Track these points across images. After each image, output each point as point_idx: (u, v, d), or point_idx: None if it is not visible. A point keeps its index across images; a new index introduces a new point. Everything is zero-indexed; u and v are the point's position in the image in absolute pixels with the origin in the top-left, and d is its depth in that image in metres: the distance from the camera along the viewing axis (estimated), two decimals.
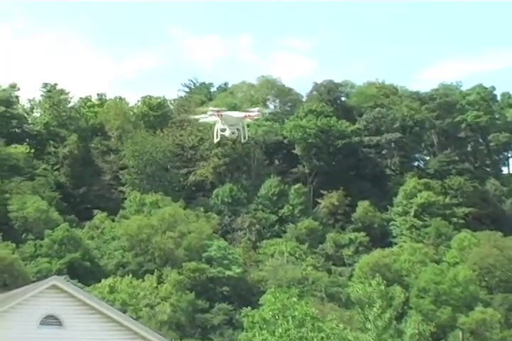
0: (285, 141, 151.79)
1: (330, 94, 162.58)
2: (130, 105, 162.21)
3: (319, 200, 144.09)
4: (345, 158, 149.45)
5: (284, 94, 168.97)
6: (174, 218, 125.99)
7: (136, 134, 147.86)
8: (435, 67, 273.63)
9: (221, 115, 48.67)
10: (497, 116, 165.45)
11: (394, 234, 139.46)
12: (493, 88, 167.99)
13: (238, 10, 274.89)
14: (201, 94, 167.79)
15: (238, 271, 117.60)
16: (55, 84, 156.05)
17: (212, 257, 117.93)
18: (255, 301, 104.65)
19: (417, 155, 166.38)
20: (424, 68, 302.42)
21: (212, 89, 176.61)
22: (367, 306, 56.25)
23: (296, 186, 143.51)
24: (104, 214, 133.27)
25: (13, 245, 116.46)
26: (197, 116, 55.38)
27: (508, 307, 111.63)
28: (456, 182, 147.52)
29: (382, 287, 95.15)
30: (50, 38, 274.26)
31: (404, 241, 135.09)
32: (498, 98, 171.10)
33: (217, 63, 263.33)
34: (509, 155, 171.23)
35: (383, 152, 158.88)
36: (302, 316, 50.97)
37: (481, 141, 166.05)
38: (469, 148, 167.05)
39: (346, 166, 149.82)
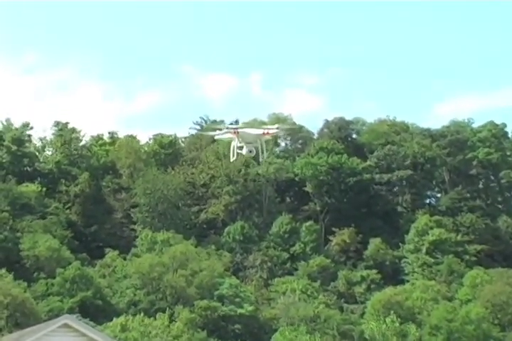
0: (296, 179, 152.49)
1: (341, 131, 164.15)
2: (141, 143, 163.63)
3: (331, 238, 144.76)
4: (356, 195, 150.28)
5: (295, 131, 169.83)
6: (186, 256, 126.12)
7: (148, 172, 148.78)
8: (446, 103, 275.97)
9: (237, 132, 46.36)
10: (508, 153, 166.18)
11: (406, 272, 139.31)
12: (504, 125, 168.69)
13: (248, 47, 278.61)
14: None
15: (250, 308, 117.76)
16: (67, 123, 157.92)
17: (224, 295, 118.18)
18: (267, 339, 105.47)
19: (428, 193, 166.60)
20: (436, 104, 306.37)
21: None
22: None
23: (308, 223, 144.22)
24: (116, 252, 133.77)
25: (25, 284, 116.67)
26: (212, 133, 53.06)
27: None
28: (468, 219, 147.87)
29: (397, 324, 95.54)
30: (62, 74, 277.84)
31: (416, 279, 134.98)
32: (510, 135, 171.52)
33: (228, 100, 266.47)
34: None
35: (394, 189, 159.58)
36: None
37: (492, 178, 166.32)
38: (481, 185, 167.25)
39: (358, 203, 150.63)
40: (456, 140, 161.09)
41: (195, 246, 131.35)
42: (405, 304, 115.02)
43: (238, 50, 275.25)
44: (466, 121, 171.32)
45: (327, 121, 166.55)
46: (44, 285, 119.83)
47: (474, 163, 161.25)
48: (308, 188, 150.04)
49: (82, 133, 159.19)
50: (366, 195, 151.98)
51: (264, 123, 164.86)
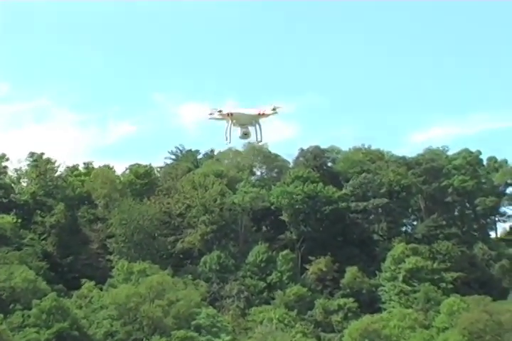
0: (272, 207, 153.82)
1: (316, 159, 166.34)
2: (117, 173, 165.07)
3: (307, 266, 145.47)
4: (332, 223, 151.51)
5: (270, 160, 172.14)
6: (162, 286, 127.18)
7: (123, 202, 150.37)
8: (421, 131, 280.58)
9: (231, 114, 43.45)
10: (483, 181, 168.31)
11: (383, 300, 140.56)
12: (479, 152, 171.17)
13: (223, 76, 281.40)
14: (188, 162, 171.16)
15: (227, 338, 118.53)
16: (42, 154, 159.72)
17: (201, 325, 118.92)
18: None
19: (404, 220, 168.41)
20: (411, 132, 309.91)
21: (199, 156, 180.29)
22: None
23: (284, 252, 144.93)
24: (92, 283, 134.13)
25: (1, 315, 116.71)
26: (206, 115, 46.64)
27: None
28: (444, 246, 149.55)
29: None
30: (37, 104, 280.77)
31: (393, 307, 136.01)
32: (484, 162, 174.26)
33: (203, 130, 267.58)
34: (496, 219, 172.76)
35: (370, 217, 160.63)
36: None
37: (467, 205, 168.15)
38: (456, 213, 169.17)
39: (334, 232, 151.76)
40: (432, 168, 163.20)
41: (172, 276, 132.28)
42: (382, 332, 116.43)
43: (212, 78, 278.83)
44: (441, 148, 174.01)
45: (302, 150, 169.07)
46: (20, 316, 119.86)
47: (450, 190, 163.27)
48: (285, 217, 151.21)
49: (57, 164, 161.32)
50: (342, 223, 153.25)
51: (240, 153, 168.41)
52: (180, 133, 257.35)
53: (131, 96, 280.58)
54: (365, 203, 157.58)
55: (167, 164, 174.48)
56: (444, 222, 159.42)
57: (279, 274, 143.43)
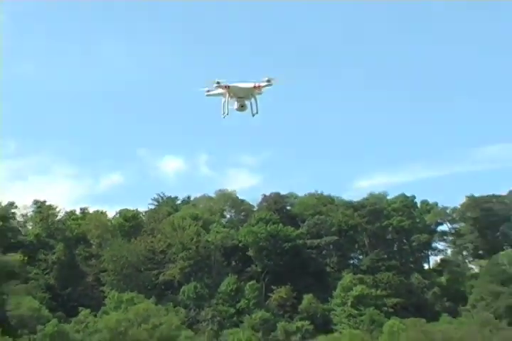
0: (240, 245, 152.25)
1: (277, 204, 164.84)
2: (108, 217, 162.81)
3: (270, 294, 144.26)
4: (291, 258, 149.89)
5: (238, 205, 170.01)
6: (147, 312, 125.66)
7: (114, 242, 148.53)
8: (365, 178, 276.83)
9: (228, 87, 40.77)
10: (418, 220, 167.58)
11: (334, 322, 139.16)
12: (414, 197, 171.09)
13: (197, 132, 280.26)
14: (168, 206, 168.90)
15: None
16: (44, 201, 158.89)
17: None
18: None
19: (352, 255, 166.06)
20: (356, 179, 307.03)
21: (178, 202, 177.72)
22: None
23: (251, 283, 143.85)
24: (88, 310, 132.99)
25: (11, 339, 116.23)
26: (202, 89, 43.94)
27: None
28: (385, 276, 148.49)
29: None
30: (39, 159, 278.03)
31: (344, 328, 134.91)
32: (418, 205, 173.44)
33: (181, 179, 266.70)
34: (429, 253, 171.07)
35: (323, 252, 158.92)
36: None
37: (405, 241, 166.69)
38: (395, 248, 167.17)
39: (292, 265, 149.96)
40: (374, 210, 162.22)
41: (156, 304, 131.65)
42: None
43: (187, 134, 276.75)
44: (382, 193, 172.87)
45: (265, 196, 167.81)
46: (27, 340, 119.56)
47: (389, 229, 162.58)
48: (251, 253, 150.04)
49: (57, 210, 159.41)
50: (300, 257, 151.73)
51: (212, 199, 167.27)
52: (161, 181, 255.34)
53: (119, 151, 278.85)
54: (318, 240, 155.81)
55: (151, 208, 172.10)
56: (385, 256, 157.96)
57: (246, 301, 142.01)
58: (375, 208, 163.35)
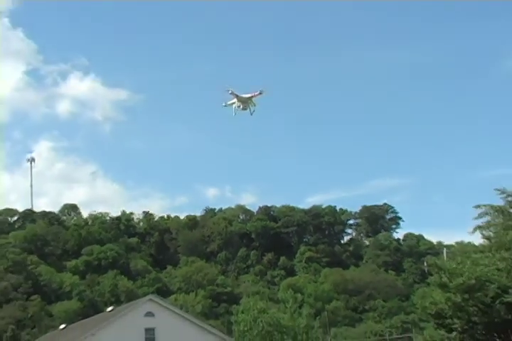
0: (247, 232, 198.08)
1: (266, 211, 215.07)
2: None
3: (263, 257, 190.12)
4: (273, 238, 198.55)
5: (246, 211, 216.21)
6: (203, 267, 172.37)
7: (187, 232, 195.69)
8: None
9: (236, 95, 50.71)
10: (338, 221, 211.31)
11: (296, 271, 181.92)
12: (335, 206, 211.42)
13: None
14: (212, 213, 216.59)
15: None
16: (148, 211, 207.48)
17: None
18: None
19: (304, 236, 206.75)
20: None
21: (216, 210, 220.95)
22: None
23: (253, 251, 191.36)
24: (171, 266, 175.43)
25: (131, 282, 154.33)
26: (223, 103, 53.20)
27: None
28: (322, 247, 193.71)
29: None
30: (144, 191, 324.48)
31: (301, 275, 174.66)
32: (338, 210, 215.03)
33: (217, 198, 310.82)
34: (343, 234, 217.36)
35: (290, 235, 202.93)
36: None
37: (332, 230, 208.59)
38: (326, 233, 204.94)
39: (274, 242, 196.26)
40: (316, 212, 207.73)
41: (206, 262, 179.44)
42: None
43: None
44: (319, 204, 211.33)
45: (260, 207, 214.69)
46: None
47: (324, 223, 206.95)
48: (253, 236, 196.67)
49: (155, 215, 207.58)
50: (278, 237, 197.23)
51: (234, 209, 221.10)
52: (207, 199, 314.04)
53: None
54: (288, 229, 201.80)
55: (202, 214, 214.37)
56: (321, 236, 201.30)
57: (251, 260, 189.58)
58: (316, 212, 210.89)
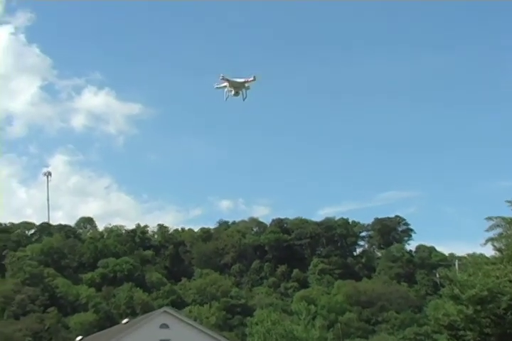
0: (261, 244, 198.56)
1: (279, 223, 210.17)
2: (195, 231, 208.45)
3: (277, 269, 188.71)
4: (286, 250, 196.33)
5: (259, 224, 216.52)
6: (217, 279, 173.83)
7: (201, 244, 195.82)
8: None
9: (228, 80, 48.18)
10: (351, 233, 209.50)
11: (310, 283, 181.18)
12: (348, 219, 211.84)
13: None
14: (225, 225, 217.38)
15: None
16: (163, 224, 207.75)
17: None
18: None
19: (317, 248, 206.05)
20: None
21: (229, 223, 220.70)
22: None
23: (267, 264, 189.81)
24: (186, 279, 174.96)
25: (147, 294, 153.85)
26: (215, 85, 50.32)
27: None
28: (334, 259, 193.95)
29: None
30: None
31: (313, 286, 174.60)
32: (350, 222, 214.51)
33: (230, 211, 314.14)
34: (356, 246, 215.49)
35: (303, 247, 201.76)
36: None
37: (344, 241, 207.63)
38: (339, 245, 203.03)
39: (287, 254, 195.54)
40: (328, 225, 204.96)
41: (220, 274, 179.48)
42: None
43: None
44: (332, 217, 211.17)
45: (273, 219, 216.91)
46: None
47: (336, 236, 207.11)
48: (267, 248, 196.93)
49: (170, 228, 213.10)
50: (291, 249, 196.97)
51: (247, 221, 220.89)
52: (221, 212, 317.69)
53: None
54: (300, 241, 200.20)
55: (216, 227, 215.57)
56: (334, 248, 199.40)
57: (264, 272, 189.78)
58: (328, 225, 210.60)
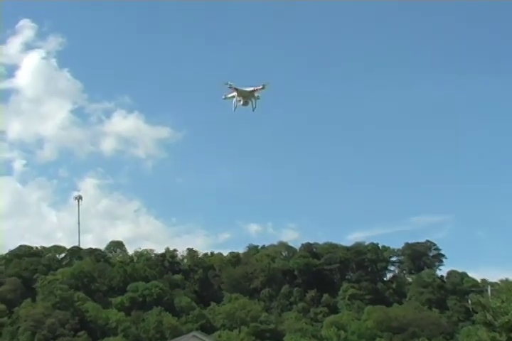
0: (290, 269, 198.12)
1: (308, 248, 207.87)
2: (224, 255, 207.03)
3: (306, 293, 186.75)
4: (315, 274, 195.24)
5: (288, 248, 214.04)
6: (246, 304, 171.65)
7: (230, 268, 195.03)
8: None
9: (236, 89, 46.91)
10: (381, 258, 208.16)
11: (339, 308, 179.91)
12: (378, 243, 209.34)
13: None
14: (254, 250, 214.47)
15: None
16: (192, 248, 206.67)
17: None
18: None
19: (346, 273, 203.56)
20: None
21: (259, 247, 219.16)
22: None
23: (296, 288, 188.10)
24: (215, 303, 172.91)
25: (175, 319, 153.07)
26: (222, 96, 49.41)
27: None
28: (365, 284, 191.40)
29: None
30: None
31: (343, 311, 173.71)
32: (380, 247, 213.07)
33: (259, 235, 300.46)
34: (386, 271, 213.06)
35: (333, 272, 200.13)
36: None
37: (374, 266, 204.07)
38: (369, 270, 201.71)
39: (316, 279, 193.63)
40: (358, 250, 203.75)
41: (249, 299, 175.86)
42: None
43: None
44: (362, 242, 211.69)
45: (302, 244, 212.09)
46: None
47: (366, 260, 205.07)
48: (296, 272, 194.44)
49: (199, 252, 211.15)
50: (320, 274, 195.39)
51: (276, 246, 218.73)
52: (250, 236, 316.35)
53: None
54: (330, 266, 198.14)
55: (245, 251, 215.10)
56: (363, 273, 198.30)
57: (294, 297, 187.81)
58: (358, 249, 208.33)
